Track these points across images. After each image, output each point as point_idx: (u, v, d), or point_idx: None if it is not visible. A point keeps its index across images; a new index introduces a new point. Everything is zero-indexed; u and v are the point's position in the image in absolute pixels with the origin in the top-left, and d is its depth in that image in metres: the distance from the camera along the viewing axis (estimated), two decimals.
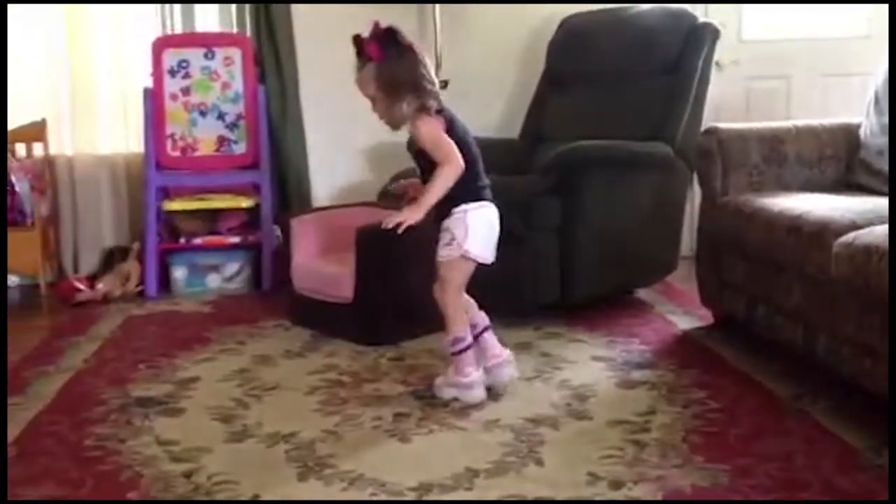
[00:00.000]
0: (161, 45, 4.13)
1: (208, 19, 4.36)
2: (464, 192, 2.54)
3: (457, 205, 2.55)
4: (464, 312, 2.63)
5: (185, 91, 4.14)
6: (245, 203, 4.13)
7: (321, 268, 3.39)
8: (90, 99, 4.35)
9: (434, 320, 3.24)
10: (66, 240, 4.40)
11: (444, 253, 2.59)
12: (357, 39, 2.54)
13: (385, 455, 2.23)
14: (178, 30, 4.30)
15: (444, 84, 4.35)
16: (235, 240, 4.14)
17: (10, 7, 4.07)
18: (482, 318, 2.70)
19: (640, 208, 3.51)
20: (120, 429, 2.43)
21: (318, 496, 2.01)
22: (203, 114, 4.16)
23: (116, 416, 2.53)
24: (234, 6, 4.33)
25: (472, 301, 2.69)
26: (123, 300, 3.97)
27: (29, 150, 4.26)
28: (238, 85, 4.16)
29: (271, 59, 4.33)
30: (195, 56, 4.13)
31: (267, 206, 4.14)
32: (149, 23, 4.31)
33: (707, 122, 3.55)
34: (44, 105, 4.30)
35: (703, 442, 2.25)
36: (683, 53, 3.72)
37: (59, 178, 4.36)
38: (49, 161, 4.30)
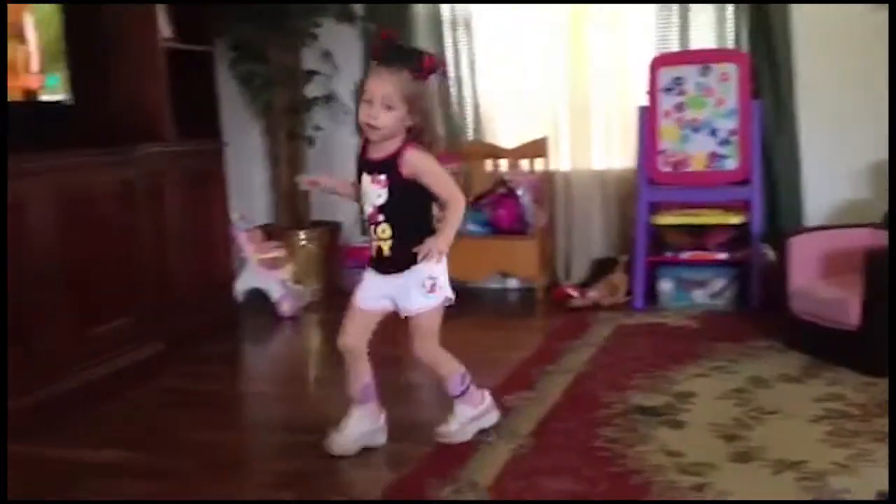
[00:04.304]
0: (658, 63, 4.24)
1: (703, 37, 4.37)
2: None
3: None
4: (447, 353, 2.50)
5: (679, 108, 4.20)
6: (734, 219, 4.07)
7: (821, 291, 3.22)
8: (587, 117, 4.62)
9: None
10: (560, 249, 4.72)
11: (428, 302, 2.40)
12: (400, 48, 2.40)
13: None
14: (675, 48, 4.37)
15: None
16: (723, 256, 4.11)
17: (520, 27, 4.48)
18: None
19: None
20: (625, 433, 2.55)
21: None
22: (696, 130, 4.18)
23: (620, 421, 2.65)
24: (730, 22, 4.30)
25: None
26: (611, 309, 4.14)
27: (532, 165, 4.64)
28: (732, 101, 4.11)
29: (767, 74, 4.22)
30: (691, 73, 4.17)
31: (756, 223, 4.04)
32: (645, 43, 4.45)
33: None
34: (546, 123, 4.66)
35: None
36: None
37: (556, 192, 4.69)
38: (548, 176, 4.64)
